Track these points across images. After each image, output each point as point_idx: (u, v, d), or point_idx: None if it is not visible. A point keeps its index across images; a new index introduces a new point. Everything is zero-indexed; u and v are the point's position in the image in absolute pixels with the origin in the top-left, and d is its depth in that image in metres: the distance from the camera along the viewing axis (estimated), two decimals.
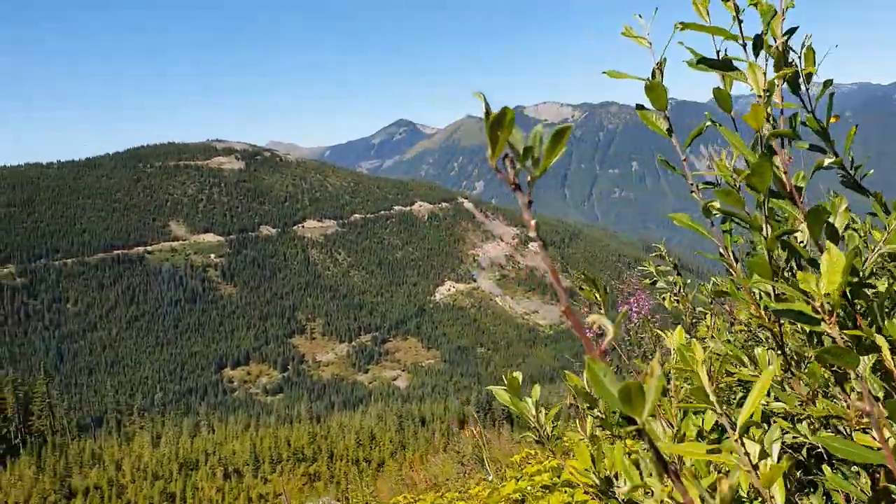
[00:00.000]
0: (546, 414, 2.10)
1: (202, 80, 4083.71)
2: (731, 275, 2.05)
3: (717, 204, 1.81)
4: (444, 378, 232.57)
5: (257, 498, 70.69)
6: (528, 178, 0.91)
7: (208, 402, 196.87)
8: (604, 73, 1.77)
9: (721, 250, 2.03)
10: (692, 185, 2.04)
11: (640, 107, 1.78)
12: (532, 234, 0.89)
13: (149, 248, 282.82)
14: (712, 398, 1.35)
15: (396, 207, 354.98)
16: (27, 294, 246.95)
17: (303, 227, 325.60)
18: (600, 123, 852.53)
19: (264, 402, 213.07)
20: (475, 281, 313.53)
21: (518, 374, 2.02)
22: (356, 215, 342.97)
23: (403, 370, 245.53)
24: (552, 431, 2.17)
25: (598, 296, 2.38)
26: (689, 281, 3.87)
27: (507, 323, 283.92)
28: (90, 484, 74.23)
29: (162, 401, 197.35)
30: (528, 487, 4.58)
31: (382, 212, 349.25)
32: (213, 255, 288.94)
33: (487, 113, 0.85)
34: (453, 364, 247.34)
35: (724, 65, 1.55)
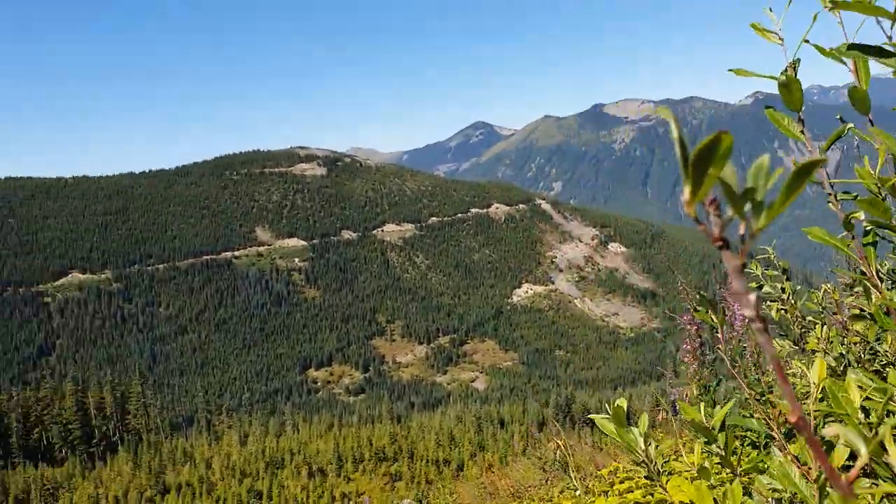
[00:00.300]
0: (656, 448, 1.95)
1: (286, 87, 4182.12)
2: (869, 292, 1.85)
3: (860, 215, 1.65)
4: (522, 380, 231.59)
5: (340, 497, 72.00)
6: (747, 230, 0.73)
7: (293, 402, 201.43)
8: (730, 70, 1.65)
9: (863, 268, 1.81)
10: (830, 194, 1.81)
11: (768, 107, 1.67)
12: (749, 312, 0.73)
13: (236, 254, 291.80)
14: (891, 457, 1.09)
15: (473, 210, 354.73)
16: (122, 298, 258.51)
17: (382, 230, 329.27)
18: (683, 119, 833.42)
19: (347, 402, 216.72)
20: (553, 283, 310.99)
21: (623, 403, 1.86)
22: (434, 218, 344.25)
23: (481, 372, 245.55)
24: (663, 467, 2.01)
25: (714, 319, 2.18)
26: (798, 287, 3.54)
27: (586, 325, 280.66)
28: (182, 481, 77.23)
29: (249, 401, 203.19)
30: None
31: (459, 214, 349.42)
32: (297, 260, 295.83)
33: (682, 142, 0.64)
34: (531, 366, 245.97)
35: (880, 51, 1.37)
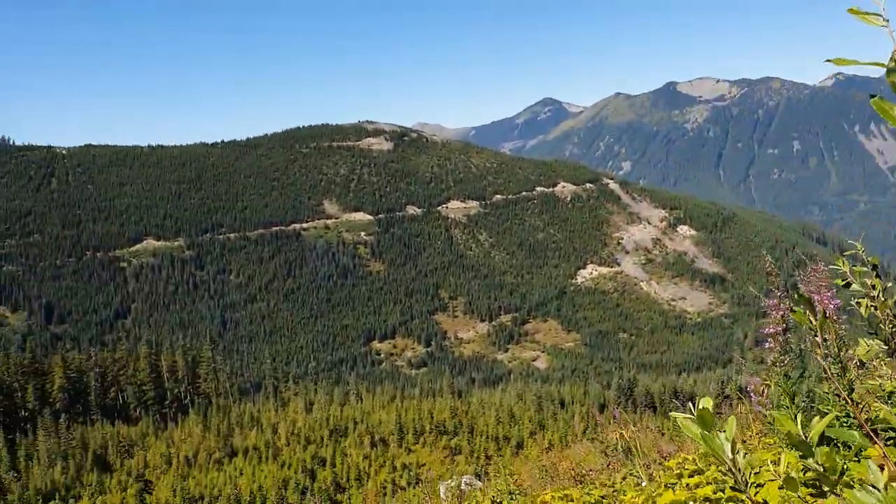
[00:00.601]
0: (745, 457, 1.85)
1: (356, 60, 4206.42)
2: None
3: None
4: (584, 361, 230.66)
5: (401, 467, 73.50)
6: None
7: (357, 372, 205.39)
8: (828, 61, 1.62)
9: None
10: None
11: (872, 96, 1.59)
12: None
13: (304, 226, 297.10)
14: None
15: (539, 188, 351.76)
16: (195, 265, 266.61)
17: (447, 207, 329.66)
18: (759, 100, 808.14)
19: (409, 374, 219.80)
20: (619, 265, 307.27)
21: (709, 402, 1.77)
22: (498, 196, 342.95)
23: (543, 351, 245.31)
24: (752, 478, 1.90)
25: (812, 320, 2.06)
26: (888, 285, 3.29)
27: (652, 308, 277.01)
28: (249, 444, 79.85)
29: (315, 369, 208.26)
30: (690, 503, 4.17)
31: (525, 193, 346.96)
32: (362, 233, 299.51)
33: None
34: (594, 348, 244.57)
35: None
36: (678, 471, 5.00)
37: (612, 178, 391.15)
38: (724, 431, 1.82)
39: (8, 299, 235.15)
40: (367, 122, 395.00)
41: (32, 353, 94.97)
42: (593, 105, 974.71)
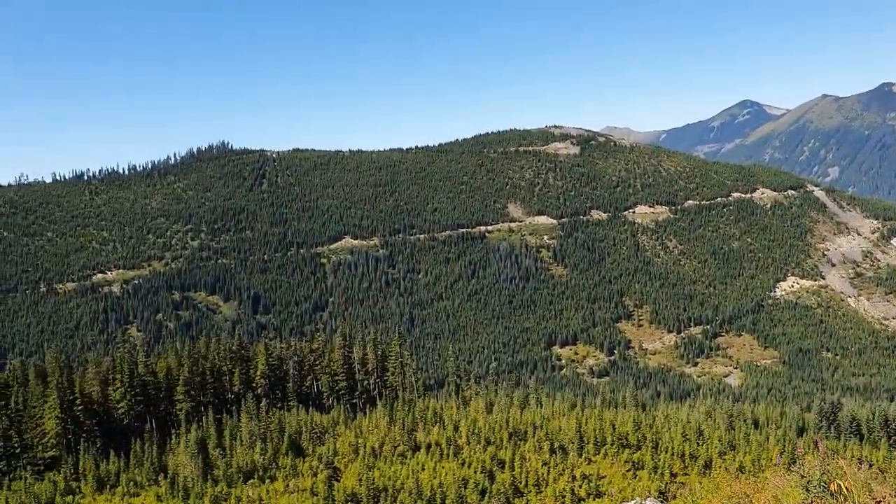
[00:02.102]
0: None
1: (542, 65, 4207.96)
2: None
3: None
4: (782, 381, 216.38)
5: (581, 477, 72.30)
6: None
7: (537, 376, 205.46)
8: None
9: None
10: None
11: None
12: None
13: (489, 228, 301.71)
14: None
15: (735, 194, 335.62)
16: (387, 264, 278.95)
17: (633, 212, 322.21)
18: None
19: (590, 382, 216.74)
20: (823, 278, 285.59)
21: None
22: (690, 201, 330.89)
23: (736, 367, 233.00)
24: None
25: None
26: None
27: (860, 327, 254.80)
28: (432, 440, 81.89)
29: (496, 370, 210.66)
30: None
31: (719, 198, 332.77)
32: (546, 237, 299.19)
33: None
34: (793, 367, 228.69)
35: None
36: None
37: (817, 185, 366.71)
38: None
39: (221, 290, 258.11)
40: (554, 126, 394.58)
41: (240, 340, 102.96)
42: (796, 108, 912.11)
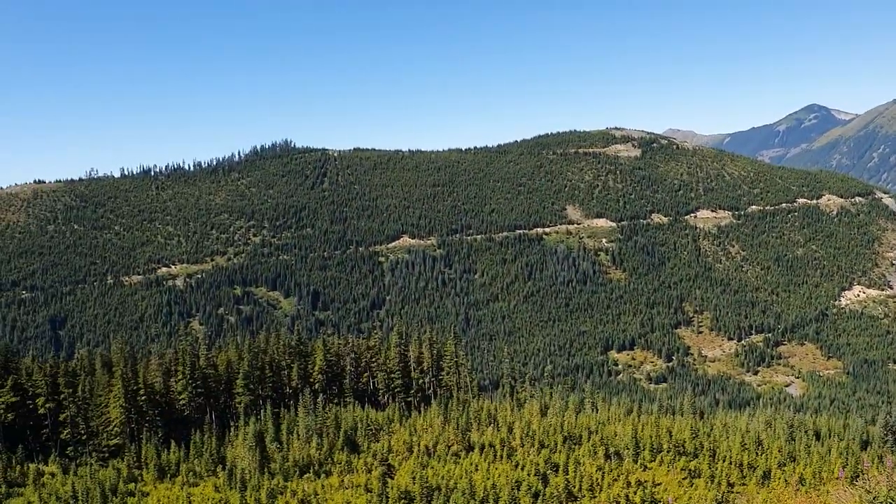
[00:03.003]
0: None
1: (604, 67, 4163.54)
2: None
3: None
4: (846, 392, 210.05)
5: (636, 483, 71.34)
6: None
7: (593, 380, 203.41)
8: None
9: None
10: None
11: None
12: None
13: (546, 230, 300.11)
14: None
15: (800, 200, 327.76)
16: (444, 263, 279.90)
17: (695, 216, 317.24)
18: None
19: (647, 389, 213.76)
20: (892, 287, 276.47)
21: None
22: (753, 207, 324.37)
23: (797, 377, 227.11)
24: None
25: None
26: None
27: None
28: (486, 441, 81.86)
29: (551, 373, 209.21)
30: None
31: (784, 204, 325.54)
32: (604, 240, 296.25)
33: None
34: (858, 378, 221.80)
35: None
36: None
37: (886, 192, 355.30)
38: None
39: (282, 285, 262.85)
40: (615, 128, 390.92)
41: (299, 335, 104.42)
42: (866, 112, 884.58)
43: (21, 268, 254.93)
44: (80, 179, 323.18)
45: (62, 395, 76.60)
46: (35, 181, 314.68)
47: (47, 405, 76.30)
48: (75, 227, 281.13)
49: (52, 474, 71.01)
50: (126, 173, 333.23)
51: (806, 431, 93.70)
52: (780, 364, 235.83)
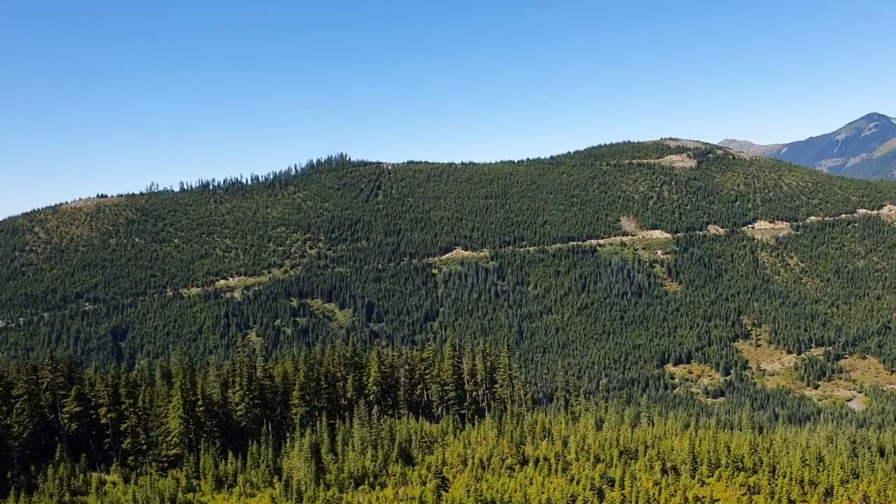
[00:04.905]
0: None
1: (658, 76, 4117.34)
2: None
3: None
4: None
5: (693, 499, 70.20)
6: None
7: (649, 394, 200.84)
8: None
9: None
10: None
11: None
12: None
13: (600, 242, 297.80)
14: None
15: (861, 210, 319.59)
16: (497, 275, 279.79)
17: (752, 227, 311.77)
18: None
19: (704, 403, 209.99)
20: None
21: None
22: (812, 217, 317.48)
23: (860, 392, 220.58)
24: None
25: None
26: None
27: None
28: (540, 455, 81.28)
29: (606, 387, 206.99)
30: None
31: (844, 215, 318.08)
32: (659, 252, 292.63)
33: None
34: None
35: None
36: None
37: None
38: None
39: (337, 297, 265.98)
40: (670, 139, 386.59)
41: (354, 347, 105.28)
42: None
43: (84, 280, 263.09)
44: (141, 194, 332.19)
45: (123, 406, 78.31)
46: (98, 196, 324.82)
47: (109, 415, 78.09)
48: (136, 240, 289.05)
49: (114, 483, 72.61)
50: (185, 187, 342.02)
51: (869, 447, 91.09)
52: (841, 378, 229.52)
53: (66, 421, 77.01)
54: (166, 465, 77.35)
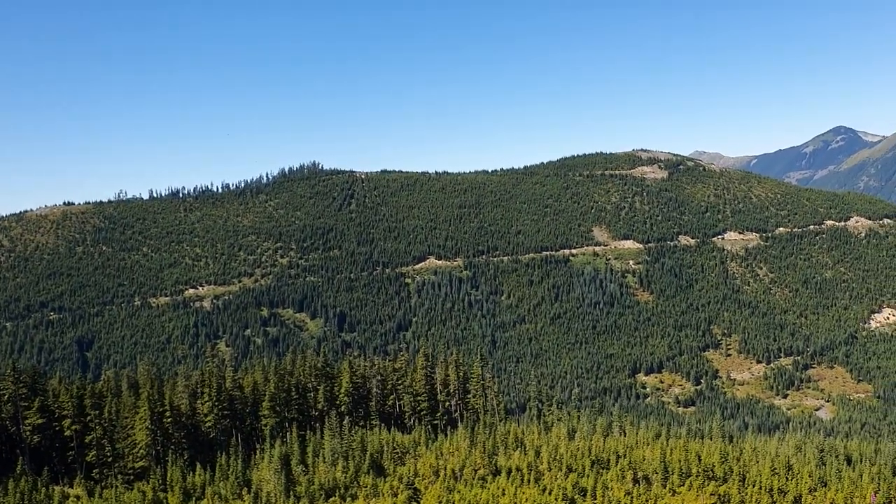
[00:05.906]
0: None
1: (630, 89, 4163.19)
2: None
3: None
4: (877, 416, 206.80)
5: None
6: None
7: (621, 404, 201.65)
8: None
9: None
10: None
11: None
12: None
13: (573, 252, 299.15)
14: None
15: (828, 222, 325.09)
16: (470, 285, 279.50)
17: (722, 238, 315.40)
18: None
19: (675, 412, 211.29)
20: None
21: None
22: (781, 229, 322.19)
23: (827, 401, 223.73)
24: None
25: None
26: None
27: None
28: (513, 465, 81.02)
29: (578, 396, 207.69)
30: None
31: (812, 226, 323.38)
32: (631, 262, 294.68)
33: None
34: (889, 402, 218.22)
35: None
36: None
37: None
38: None
39: (309, 307, 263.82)
40: (642, 150, 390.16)
41: (325, 357, 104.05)
42: (893, 134, 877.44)
43: (49, 289, 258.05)
44: (109, 201, 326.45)
45: (88, 417, 76.60)
46: (64, 203, 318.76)
47: (73, 427, 76.39)
48: (104, 248, 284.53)
49: (77, 497, 71.01)
50: (154, 195, 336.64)
51: (837, 456, 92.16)
52: (809, 387, 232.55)
53: (28, 433, 75.13)
54: (132, 477, 75.82)
